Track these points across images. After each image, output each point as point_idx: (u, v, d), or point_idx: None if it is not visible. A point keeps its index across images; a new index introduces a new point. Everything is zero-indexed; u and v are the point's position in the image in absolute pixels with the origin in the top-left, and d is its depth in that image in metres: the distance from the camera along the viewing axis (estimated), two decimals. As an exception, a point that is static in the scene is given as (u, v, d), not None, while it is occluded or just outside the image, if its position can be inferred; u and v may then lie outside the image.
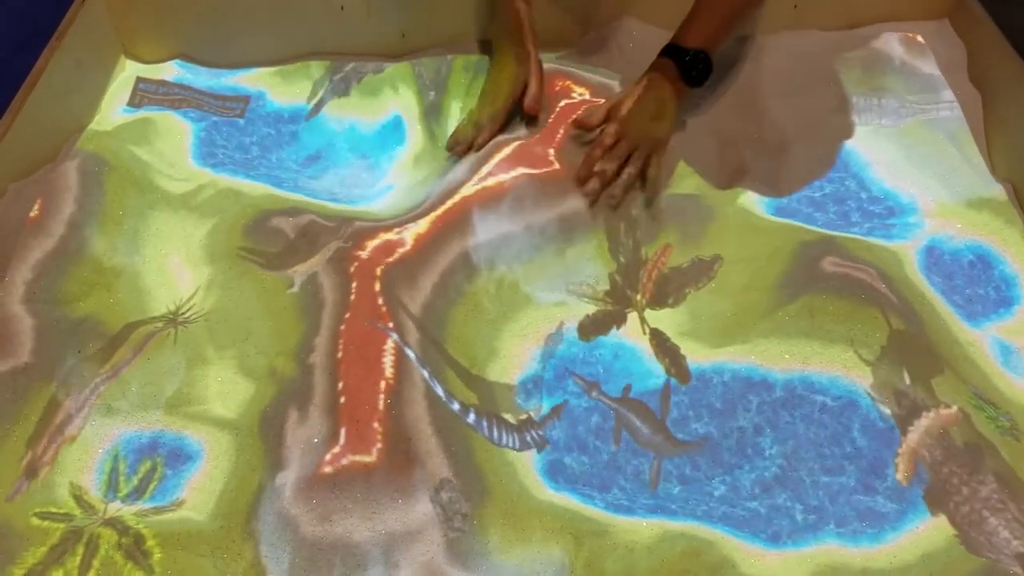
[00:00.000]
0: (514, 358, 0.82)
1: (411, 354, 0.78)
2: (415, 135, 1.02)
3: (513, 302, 0.86)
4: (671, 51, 0.94)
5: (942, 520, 0.71)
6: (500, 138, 0.95)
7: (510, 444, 0.77)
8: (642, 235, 0.91)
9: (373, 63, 1.08)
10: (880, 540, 0.70)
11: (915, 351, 0.80)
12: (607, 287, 0.88)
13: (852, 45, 1.07)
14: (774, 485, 0.74)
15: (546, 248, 0.89)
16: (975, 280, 0.88)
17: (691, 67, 0.93)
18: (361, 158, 1.01)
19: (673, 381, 0.81)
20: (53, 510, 0.69)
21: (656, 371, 0.82)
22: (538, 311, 0.85)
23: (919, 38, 1.05)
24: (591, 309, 0.86)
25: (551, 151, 0.93)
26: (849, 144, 0.99)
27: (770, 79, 1.06)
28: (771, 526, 0.72)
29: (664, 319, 0.86)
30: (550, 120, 0.97)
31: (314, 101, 1.05)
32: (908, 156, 0.98)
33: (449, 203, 0.89)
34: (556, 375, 0.81)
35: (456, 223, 0.88)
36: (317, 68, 1.08)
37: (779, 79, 1.06)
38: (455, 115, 1.04)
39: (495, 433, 0.77)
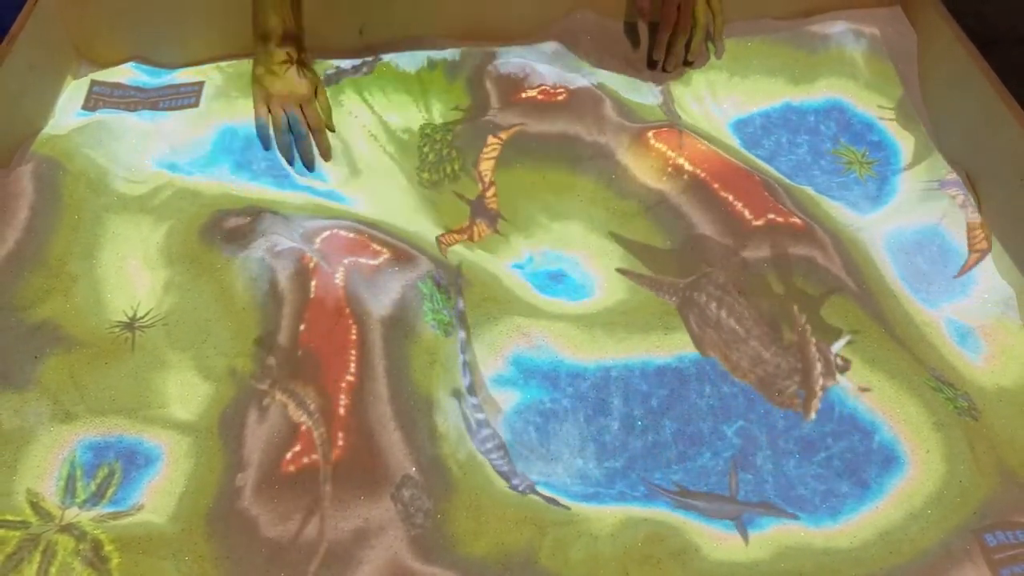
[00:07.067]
0: (483, 357, 0.82)
1: (376, 350, 0.77)
2: (373, 139, 1.02)
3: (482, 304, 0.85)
4: None
5: (899, 499, 0.72)
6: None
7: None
8: None
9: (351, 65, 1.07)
10: (840, 520, 0.71)
11: (873, 335, 0.81)
12: None
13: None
14: (734, 469, 0.74)
15: None
16: (931, 262, 0.90)
17: None
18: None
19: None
20: (9, 518, 0.69)
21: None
22: (505, 318, 0.84)
23: (875, 30, 1.06)
24: None
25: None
26: None
27: None
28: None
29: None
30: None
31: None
32: None
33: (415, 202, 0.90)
34: (523, 373, 0.81)
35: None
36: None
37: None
38: (416, 115, 1.03)
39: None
